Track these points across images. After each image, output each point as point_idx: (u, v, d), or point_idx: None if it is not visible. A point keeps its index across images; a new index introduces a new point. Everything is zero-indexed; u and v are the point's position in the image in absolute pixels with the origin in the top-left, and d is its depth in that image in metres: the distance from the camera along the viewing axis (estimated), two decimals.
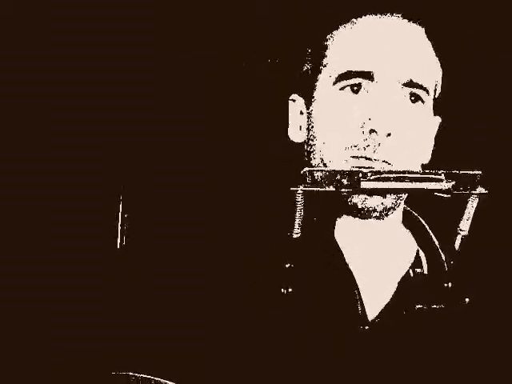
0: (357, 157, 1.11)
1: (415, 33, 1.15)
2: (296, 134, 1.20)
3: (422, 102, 1.14)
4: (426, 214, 1.23)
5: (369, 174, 1.05)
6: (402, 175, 1.06)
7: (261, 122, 1.54)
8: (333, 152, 1.12)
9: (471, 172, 1.07)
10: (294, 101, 1.21)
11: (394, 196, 1.13)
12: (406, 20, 1.15)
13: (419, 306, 1.13)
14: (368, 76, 1.11)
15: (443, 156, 1.18)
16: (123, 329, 1.12)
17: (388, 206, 1.13)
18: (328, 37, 1.17)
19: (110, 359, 1.10)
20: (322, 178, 1.03)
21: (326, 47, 1.16)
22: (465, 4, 1.41)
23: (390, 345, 1.10)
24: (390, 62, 1.11)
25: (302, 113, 1.19)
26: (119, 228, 1.48)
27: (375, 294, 1.13)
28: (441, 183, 1.06)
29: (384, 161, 1.10)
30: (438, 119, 1.22)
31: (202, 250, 1.17)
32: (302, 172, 1.04)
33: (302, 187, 1.04)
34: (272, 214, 1.17)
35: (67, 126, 1.52)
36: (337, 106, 1.13)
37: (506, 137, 1.51)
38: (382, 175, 1.05)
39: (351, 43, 1.14)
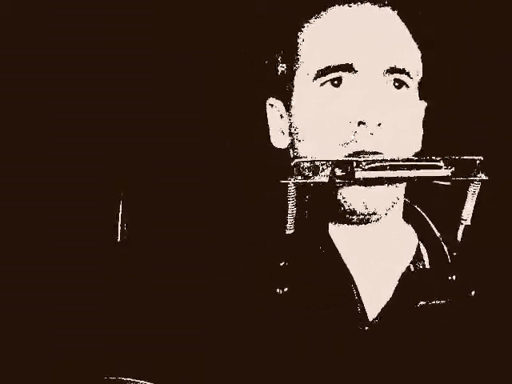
0: (351, 154, 1.04)
1: (388, 17, 1.10)
2: (279, 140, 1.14)
3: (407, 86, 1.09)
4: (427, 205, 1.18)
5: (363, 164, 1.00)
6: (398, 163, 1.01)
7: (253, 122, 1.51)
8: (324, 153, 1.05)
9: (471, 157, 1.02)
10: (272, 105, 1.16)
11: (393, 195, 1.07)
12: (376, 5, 1.10)
13: (422, 303, 1.07)
14: (349, 68, 1.06)
15: (443, 142, 1.13)
16: (121, 328, 1.09)
17: (388, 207, 1.07)
18: (298, 34, 1.12)
19: (108, 359, 1.08)
20: (313, 169, 0.99)
21: (297, 45, 1.11)
22: None
23: (391, 345, 1.05)
24: (370, 51, 1.06)
25: (282, 116, 1.14)
26: (119, 228, 1.47)
27: (375, 292, 1.07)
28: (439, 170, 1.01)
29: (375, 152, 1.04)
30: (424, 103, 1.16)
31: (195, 250, 1.12)
32: (292, 163, 0.99)
33: (293, 180, 0.98)
34: (264, 209, 1.12)
35: (67, 126, 1.51)
36: (320, 103, 1.07)
37: (508, 122, 1.47)
38: (378, 164, 1.00)
39: (325, 37, 1.09)
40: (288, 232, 1.01)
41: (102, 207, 1.48)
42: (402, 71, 1.07)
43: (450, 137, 1.23)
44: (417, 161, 1.01)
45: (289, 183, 0.99)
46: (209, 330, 1.05)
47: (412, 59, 1.10)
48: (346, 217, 1.08)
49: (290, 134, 1.12)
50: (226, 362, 1.04)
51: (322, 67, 1.07)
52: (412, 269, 1.11)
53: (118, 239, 1.48)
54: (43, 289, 1.44)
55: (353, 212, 1.06)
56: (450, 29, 1.32)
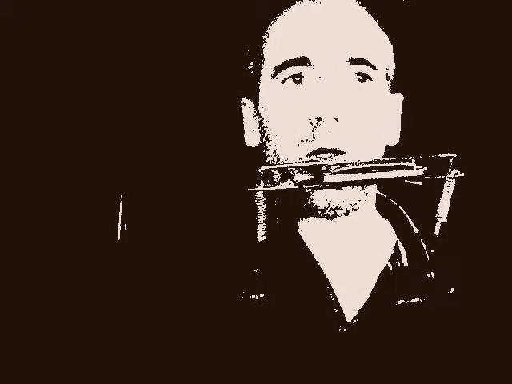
0: (310, 153, 1.02)
1: (349, 9, 1.07)
2: (250, 139, 1.13)
3: (371, 79, 1.05)
4: (405, 200, 1.16)
5: (333, 167, 0.97)
6: (368, 165, 0.98)
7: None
8: (287, 152, 1.04)
9: (444, 155, 1.00)
10: (245, 105, 1.14)
11: (357, 189, 1.05)
12: (341, 0, 1.07)
13: (401, 302, 1.06)
14: (305, 62, 1.03)
15: (420, 141, 1.11)
16: (120, 326, 1.08)
17: (354, 201, 1.05)
18: (265, 33, 1.10)
19: (108, 359, 1.08)
20: (281, 176, 0.97)
21: (262, 44, 1.10)
22: None
23: (370, 347, 1.03)
24: (326, 43, 1.03)
25: (253, 115, 1.13)
26: (119, 227, 1.47)
27: (352, 293, 1.06)
28: (411, 170, 0.99)
29: (335, 149, 1.02)
30: (399, 96, 1.13)
31: (172, 257, 1.11)
32: (260, 170, 0.97)
33: (261, 187, 0.96)
34: (234, 216, 1.11)
35: (68, 126, 1.51)
36: (281, 100, 1.05)
37: (484, 118, 1.44)
38: (348, 167, 0.98)
39: (283, 33, 1.07)
40: (260, 239, 0.99)
41: (102, 207, 1.48)
42: (363, 62, 1.04)
43: (428, 134, 1.20)
44: (388, 162, 0.99)
45: (257, 191, 0.97)
46: (188, 337, 1.04)
47: (377, 51, 1.07)
48: (311, 213, 1.06)
49: (260, 132, 1.11)
50: (205, 368, 1.03)
51: (279, 63, 1.05)
52: (390, 267, 1.09)
53: (118, 239, 1.49)
54: (43, 288, 1.45)
55: (316, 207, 1.04)
56: (423, 21, 1.30)
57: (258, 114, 1.10)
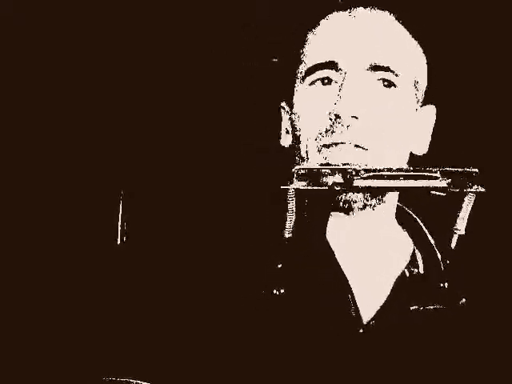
0: (327, 145, 1.10)
1: (380, 19, 1.15)
2: (283, 139, 1.21)
3: (395, 86, 1.12)
4: (421, 211, 1.21)
5: (362, 172, 1.02)
6: (395, 173, 1.03)
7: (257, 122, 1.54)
8: (307, 144, 1.12)
9: (467, 170, 1.04)
10: (283, 108, 1.22)
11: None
12: (373, 10, 1.15)
13: (415, 307, 1.10)
14: (334, 66, 1.11)
15: (442, 153, 1.16)
16: (122, 329, 1.10)
17: (377, 195, 1.12)
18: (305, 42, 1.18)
19: (108, 360, 1.09)
20: (313, 177, 1.01)
21: (302, 52, 1.18)
22: None
23: (385, 348, 1.08)
24: (352, 49, 1.11)
25: (289, 118, 1.20)
26: (119, 228, 1.47)
27: (370, 295, 1.11)
28: (436, 181, 1.04)
29: (356, 145, 1.09)
30: (432, 108, 1.19)
31: (194, 251, 1.14)
32: (293, 170, 1.01)
33: (293, 186, 1.01)
34: (263, 213, 1.15)
35: (68, 126, 1.52)
36: (308, 99, 1.13)
37: (506, 136, 1.49)
38: (376, 173, 1.03)
39: (317, 39, 1.15)
40: (286, 236, 1.04)
41: (102, 207, 1.49)
42: (387, 69, 1.11)
43: (451, 146, 1.25)
44: (414, 171, 1.04)
45: (289, 189, 1.01)
46: (207, 329, 1.07)
47: (403, 59, 1.13)
48: (337, 209, 1.11)
49: (292, 132, 1.17)
50: (223, 362, 1.06)
51: (310, 65, 1.13)
52: (407, 274, 1.14)
53: (118, 240, 1.49)
54: (43, 289, 1.47)
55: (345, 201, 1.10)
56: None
57: (291, 115, 1.17)
